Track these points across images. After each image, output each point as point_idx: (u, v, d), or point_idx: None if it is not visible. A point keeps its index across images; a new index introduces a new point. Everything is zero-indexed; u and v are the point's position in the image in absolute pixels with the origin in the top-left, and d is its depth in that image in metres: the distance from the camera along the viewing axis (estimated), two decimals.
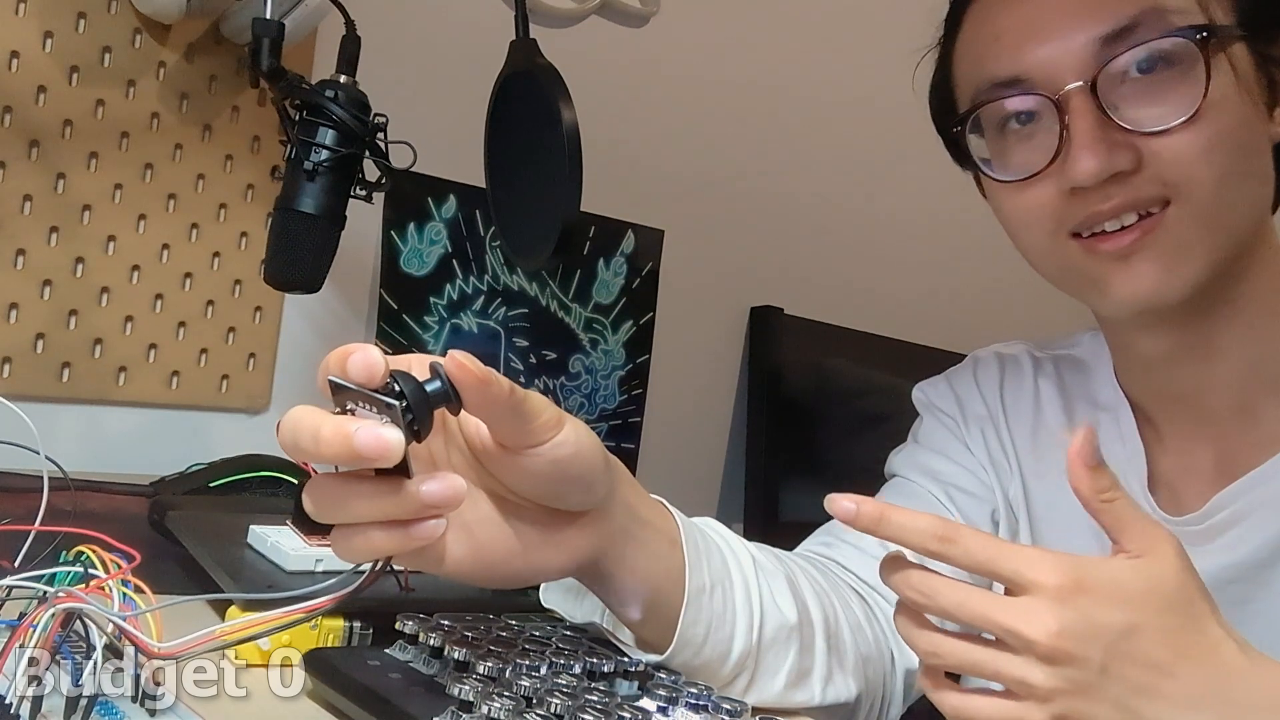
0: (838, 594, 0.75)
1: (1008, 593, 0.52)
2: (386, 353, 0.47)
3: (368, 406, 0.46)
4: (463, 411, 0.49)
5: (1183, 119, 0.65)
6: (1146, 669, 0.51)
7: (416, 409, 0.46)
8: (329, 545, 0.70)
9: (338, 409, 0.47)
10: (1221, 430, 0.77)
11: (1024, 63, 0.70)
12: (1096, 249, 0.69)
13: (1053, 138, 0.68)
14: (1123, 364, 0.82)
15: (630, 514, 0.59)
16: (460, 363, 0.47)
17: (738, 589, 0.64)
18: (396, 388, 0.46)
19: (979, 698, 0.52)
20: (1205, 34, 0.65)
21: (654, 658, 0.61)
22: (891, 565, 0.54)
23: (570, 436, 0.52)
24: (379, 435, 0.45)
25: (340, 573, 0.51)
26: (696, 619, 0.61)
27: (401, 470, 0.47)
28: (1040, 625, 0.50)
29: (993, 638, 0.51)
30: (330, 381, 0.47)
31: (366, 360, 0.46)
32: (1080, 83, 0.67)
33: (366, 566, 0.50)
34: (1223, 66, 0.67)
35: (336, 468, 0.48)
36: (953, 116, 0.75)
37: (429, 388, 0.47)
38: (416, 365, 0.49)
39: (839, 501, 0.53)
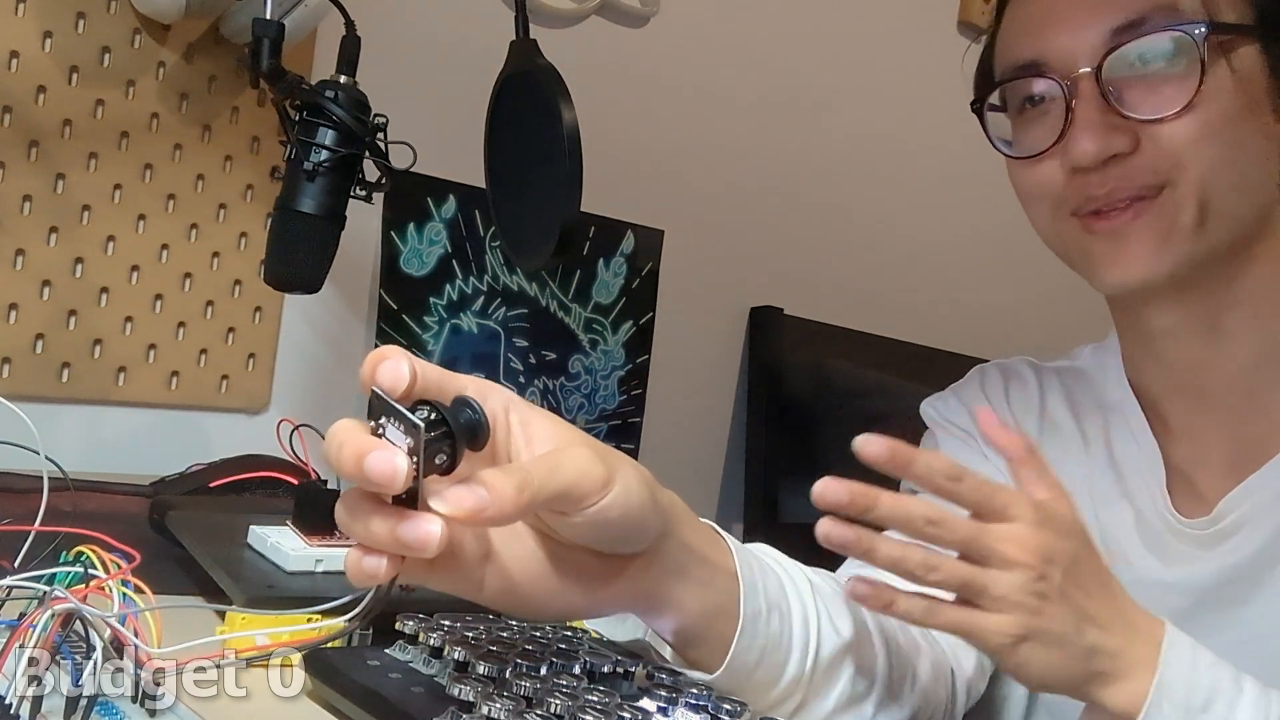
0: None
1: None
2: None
3: (398, 425, 0.45)
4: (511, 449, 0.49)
5: (1176, 110, 0.70)
6: (1084, 593, 0.59)
7: (443, 435, 0.45)
8: (328, 545, 0.70)
9: (371, 422, 0.46)
10: (1232, 419, 0.78)
11: (1043, 47, 0.74)
12: (1092, 226, 0.74)
13: (1060, 119, 0.73)
14: (1131, 346, 0.82)
15: (685, 551, 0.57)
16: (490, 483, 0.46)
17: (795, 614, 0.62)
18: (428, 413, 0.45)
19: (981, 613, 0.57)
20: (1205, 30, 0.69)
21: (701, 676, 0.59)
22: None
23: (619, 499, 0.50)
24: (386, 461, 0.43)
25: (338, 572, 0.50)
26: (750, 644, 0.59)
27: (409, 501, 0.46)
28: (1028, 548, 0.57)
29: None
30: (372, 392, 0.46)
31: (395, 371, 0.45)
32: (1089, 69, 0.71)
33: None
34: (1225, 64, 0.70)
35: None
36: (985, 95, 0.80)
37: (461, 418, 0.46)
38: (473, 388, 0.49)
39: (871, 444, 0.57)
